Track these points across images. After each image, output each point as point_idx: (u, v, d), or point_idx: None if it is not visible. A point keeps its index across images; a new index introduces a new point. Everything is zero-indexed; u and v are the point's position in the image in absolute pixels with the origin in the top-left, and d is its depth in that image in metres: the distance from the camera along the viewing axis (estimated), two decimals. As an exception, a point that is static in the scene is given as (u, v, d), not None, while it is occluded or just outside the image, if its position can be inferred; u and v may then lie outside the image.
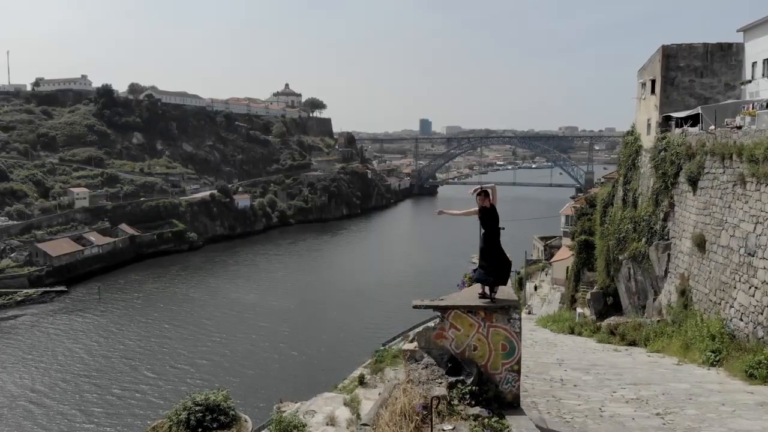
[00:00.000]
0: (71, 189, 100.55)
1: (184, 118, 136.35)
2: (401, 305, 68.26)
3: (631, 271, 18.15)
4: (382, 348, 51.88)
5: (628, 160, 20.36)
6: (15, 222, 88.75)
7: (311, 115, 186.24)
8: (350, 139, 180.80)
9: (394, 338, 56.22)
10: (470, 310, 5.42)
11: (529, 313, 35.88)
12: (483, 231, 6.67)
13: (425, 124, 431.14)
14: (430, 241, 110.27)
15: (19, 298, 73.32)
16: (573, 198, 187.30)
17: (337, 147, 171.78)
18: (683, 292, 14.11)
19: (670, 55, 17.72)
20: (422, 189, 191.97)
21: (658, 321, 14.77)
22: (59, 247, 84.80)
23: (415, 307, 5.39)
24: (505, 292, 5.84)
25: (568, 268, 35.41)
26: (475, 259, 6.85)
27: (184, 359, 50.63)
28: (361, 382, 19.62)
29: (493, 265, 6.05)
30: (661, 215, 16.48)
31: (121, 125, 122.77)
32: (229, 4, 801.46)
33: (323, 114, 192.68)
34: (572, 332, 17.75)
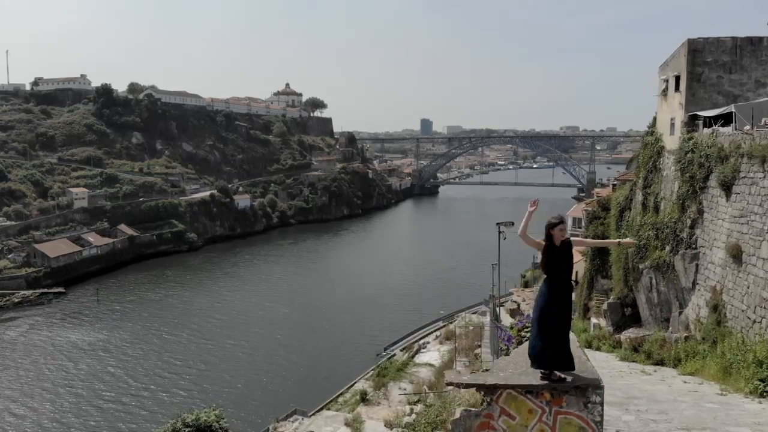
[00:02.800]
0: (70, 189, 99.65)
1: (183, 118, 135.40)
2: (402, 308, 67.16)
3: (653, 281, 16.99)
4: (383, 353, 50.68)
5: (649, 161, 19.14)
6: (13, 222, 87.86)
7: (312, 114, 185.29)
8: (351, 138, 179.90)
9: (395, 343, 55.15)
10: (530, 390, 3.93)
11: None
12: (547, 278, 4.92)
13: (426, 123, 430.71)
14: (431, 242, 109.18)
15: (17, 300, 72.48)
16: (575, 198, 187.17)
17: (337, 147, 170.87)
18: (715, 308, 12.97)
19: (696, 50, 16.49)
20: (423, 189, 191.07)
21: (686, 337, 13.64)
22: (57, 248, 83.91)
23: (450, 384, 3.82)
24: (579, 359, 4.41)
25: (577, 273, 34.20)
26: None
27: (178, 367, 49.46)
28: (363, 398, 18.71)
29: (561, 337, 4.39)
30: (688, 222, 15.30)
31: (121, 125, 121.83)
32: (230, 4, 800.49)
33: (324, 113, 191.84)
34: (589, 346, 16.58)
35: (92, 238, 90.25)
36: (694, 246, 14.97)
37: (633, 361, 13.11)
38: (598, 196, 42.29)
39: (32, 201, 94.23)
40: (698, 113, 16.18)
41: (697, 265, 14.68)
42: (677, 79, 17.33)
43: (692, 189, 15.18)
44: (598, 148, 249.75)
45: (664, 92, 18.34)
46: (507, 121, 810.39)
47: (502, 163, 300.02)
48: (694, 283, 14.76)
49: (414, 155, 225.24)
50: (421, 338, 54.75)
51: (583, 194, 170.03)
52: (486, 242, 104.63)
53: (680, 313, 15.21)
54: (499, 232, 16.42)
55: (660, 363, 12.67)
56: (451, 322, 57.33)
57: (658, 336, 14.60)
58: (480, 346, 13.41)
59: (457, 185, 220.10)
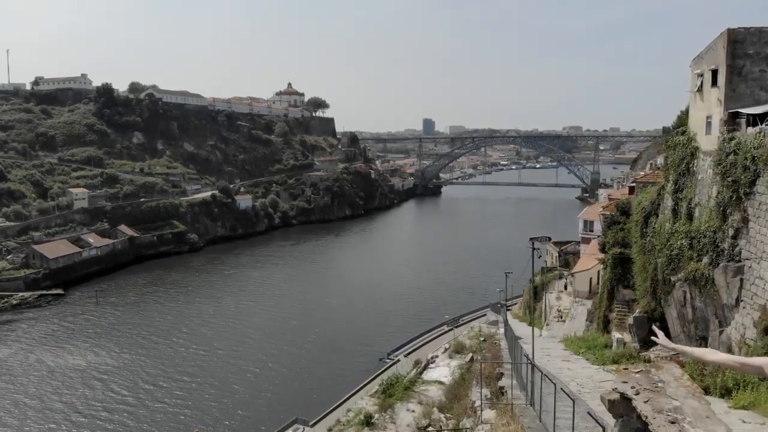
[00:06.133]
0: (70, 189, 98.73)
1: (185, 118, 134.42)
2: (405, 312, 65.74)
3: (688, 295, 15.54)
4: (387, 359, 49.20)
5: (681, 164, 17.62)
6: (12, 223, 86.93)
7: (314, 114, 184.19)
8: (353, 138, 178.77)
9: (398, 348, 53.69)
10: None
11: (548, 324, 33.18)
12: None
13: (428, 123, 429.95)
14: (434, 244, 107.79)
15: (15, 302, 71.55)
16: (579, 198, 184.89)
17: (339, 147, 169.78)
18: (766, 330, 11.56)
19: (737, 41, 15.04)
20: (426, 189, 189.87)
21: (730, 360, 12.17)
22: (57, 249, 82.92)
23: None
24: None
25: (591, 279, 32.75)
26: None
27: (175, 375, 48.00)
28: (368, 422, 17.39)
29: None
30: (731, 231, 13.87)
31: (121, 125, 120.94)
32: (231, 3, 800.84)
33: (326, 113, 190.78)
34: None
35: (92, 238, 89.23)
36: (737, 258, 13.54)
37: (672, 388, 11.67)
38: (611, 198, 40.77)
39: (32, 201, 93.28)
40: (740, 110, 14.73)
41: (741, 280, 13.25)
42: (714, 73, 15.86)
43: (735, 195, 13.74)
44: (602, 148, 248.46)
45: (699, 88, 16.89)
46: (509, 121, 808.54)
47: (505, 163, 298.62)
48: (737, 300, 13.33)
49: (416, 155, 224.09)
50: (424, 344, 53.34)
51: (587, 194, 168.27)
52: (490, 244, 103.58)
53: (721, 332, 13.79)
54: (533, 249, 15.09)
55: (704, 391, 11.23)
56: (457, 326, 56.10)
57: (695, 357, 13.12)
58: (502, 374, 12.00)
59: (459, 185, 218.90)
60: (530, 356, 10.01)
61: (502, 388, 10.61)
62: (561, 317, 33.78)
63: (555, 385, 6.48)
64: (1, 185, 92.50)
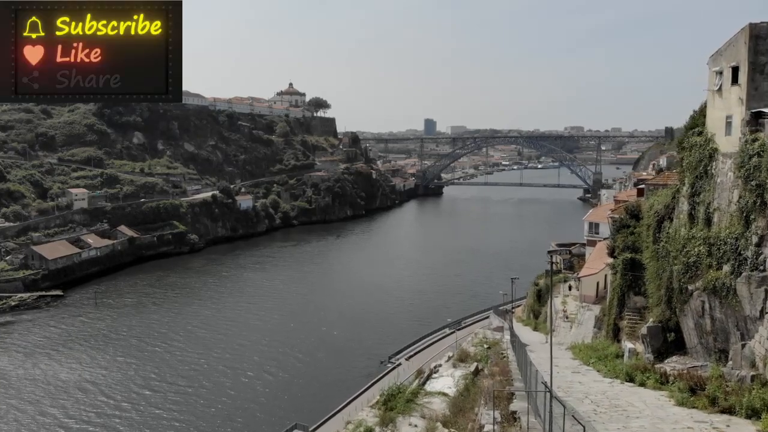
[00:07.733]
0: (70, 190, 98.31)
1: (185, 118, 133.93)
2: (406, 314, 65.00)
3: (706, 305, 14.76)
4: (389, 363, 48.53)
5: (698, 166, 16.86)
6: (11, 224, 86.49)
7: (315, 114, 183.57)
8: (354, 138, 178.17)
9: (400, 351, 53.02)
10: None
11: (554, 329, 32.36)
12: None
13: (430, 124, 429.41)
14: (436, 245, 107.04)
15: (14, 303, 71.09)
16: (581, 199, 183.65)
17: (341, 147, 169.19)
18: (796, 344, 10.79)
19: (759, 36, 14.29)
20: (427, 189, 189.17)
21: (754, 376, 11.47)
22: (56, 249, 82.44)
23: None
24: None
25: (598, 283, 31.97)
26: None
27: (172, 380, 47.25)
28: (369, 437, 16.67)
29: None
30: (754, 239, 13.10)
31: (122, 124, 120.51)
32: (232, 3, 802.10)
33: (327, 113, 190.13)
34: (631, 380, 14.37)
35: (91, 239, 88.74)
36: (762, 267, 12.78)
37: (693, 407, 10.93)
38: (617, 200, 40.00)
39: (31, 202, 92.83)
40: (764, 110, 13.97)
41: (766, 291, 12.48)
42: (735, 70, 15.12)
43: (759, 199, 12.98)
44: (603, 148, 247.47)
45: (718, 86, 16.10)
46: (511, 121, 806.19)
47: (507, 163, 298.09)
48: (762, 312, 12.56)
49: (418, 155, 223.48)
50: (426, 347, 52.67)
51: (589, 195, 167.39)
52: (492, 245, 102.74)
53: (743, 345, 13.02)
54: (551, 263, 14.40)
55: (728, 411, 10.49)
56: (459, 329, 55.40)
57: (716, 371, 12.43)
58: (513, 393, 11.21)
59: (461, 186, 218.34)
60: (548, 382, 9.23)
61: (514, 412, 9.88)
62: (567, 317, 33.08)
63: (584, 428, 5.80)
64: (0, 185, 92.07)
